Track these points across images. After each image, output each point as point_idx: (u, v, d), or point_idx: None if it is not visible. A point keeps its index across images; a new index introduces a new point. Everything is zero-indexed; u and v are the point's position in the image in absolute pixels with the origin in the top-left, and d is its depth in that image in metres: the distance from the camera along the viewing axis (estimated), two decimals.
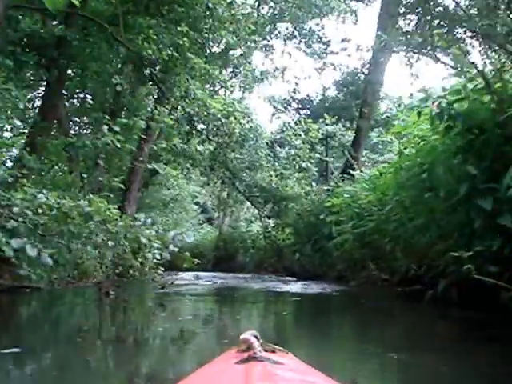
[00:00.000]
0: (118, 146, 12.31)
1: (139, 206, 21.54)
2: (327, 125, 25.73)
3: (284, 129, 26.88)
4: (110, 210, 10.76)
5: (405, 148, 10.11)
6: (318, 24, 29.61)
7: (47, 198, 9.48)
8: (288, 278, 17.34)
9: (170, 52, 13.29)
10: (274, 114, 37.96)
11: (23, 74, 16.77)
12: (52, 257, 9.18)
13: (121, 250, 10.95)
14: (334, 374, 1.87)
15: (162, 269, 11.66)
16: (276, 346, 1.71)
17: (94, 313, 8.21)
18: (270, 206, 25.48)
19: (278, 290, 12.58)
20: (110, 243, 10.50)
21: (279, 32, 29.55)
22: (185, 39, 13.36)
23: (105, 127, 12.97)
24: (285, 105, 38.82)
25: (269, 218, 25.82)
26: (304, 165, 23.43)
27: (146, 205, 28.82)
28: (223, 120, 16.43)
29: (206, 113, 15.51)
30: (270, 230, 25.12)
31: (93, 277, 12.24)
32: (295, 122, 26.98)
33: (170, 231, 13.97)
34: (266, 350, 1.58)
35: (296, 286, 13.11)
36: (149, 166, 20.55)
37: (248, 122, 19.90)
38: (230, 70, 25.95)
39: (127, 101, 18.34)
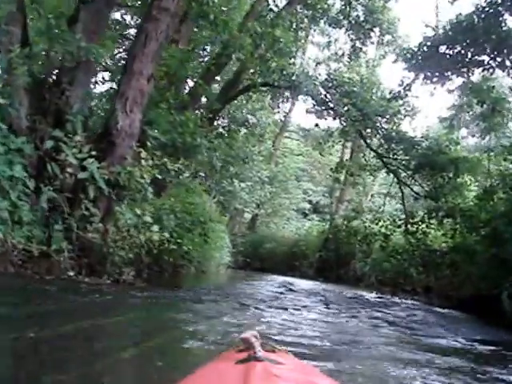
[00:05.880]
0: None
1: None
2: None
3: None
4: None
5: None
6: None
7: None
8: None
9: None
10: None
11: None
12: None
13: None
14: None
15: None
16: (276, 346, 1.65)
17: None
18: (423, 177, 14.50)
19: None
20: None
21: None
22: None
23: None
24: None
25: (416, 200, 14.95)
26: None
27: None
28: None
29: None
30: (418, 220, 14.32)
31: None
32: None
33: None
34: (266, 350, 1.51)
35: None
36: None
37: None
38: None
39: None
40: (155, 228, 7.97)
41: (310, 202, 36.34)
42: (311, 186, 36.82)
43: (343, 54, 20.93)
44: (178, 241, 8.48)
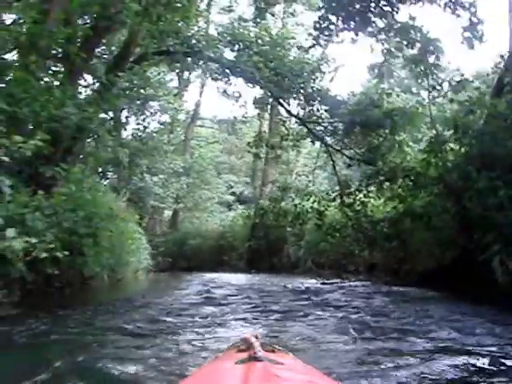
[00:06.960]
0: None
1: None
2: None
3: None
4: None
5: None
6: None
7: None
8: None
9: None
10: None
11: None
12: None
13: None
14: None
15: None
16: (276, 346, 1.69)
17: None
18: (355, 140, 12.78)
19: None
20: None
21: None
22: None
23: None
24: None
25: (349, 167, 13.20)
26: None
27: None
28: None
29: None
30: (354, 189, 12.62)
31: None
32: None
33: None
34: (266, 350, 1.53)
35: None
36: None
37: None
38: None
39: None
40: (11, 233, 5.63)
41: (233, 193, 35.06)
42: (233, 177, 35.82)
43: (246, 21, 18.98)
44: (51, 246, 6.16)
